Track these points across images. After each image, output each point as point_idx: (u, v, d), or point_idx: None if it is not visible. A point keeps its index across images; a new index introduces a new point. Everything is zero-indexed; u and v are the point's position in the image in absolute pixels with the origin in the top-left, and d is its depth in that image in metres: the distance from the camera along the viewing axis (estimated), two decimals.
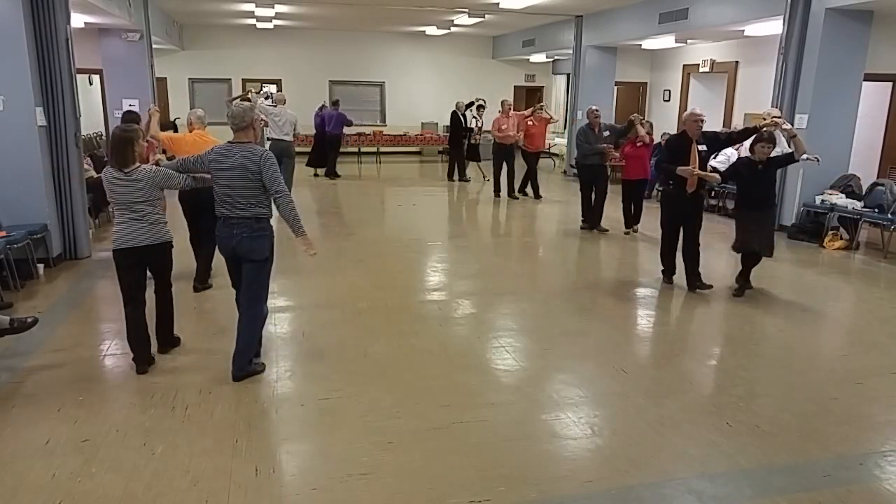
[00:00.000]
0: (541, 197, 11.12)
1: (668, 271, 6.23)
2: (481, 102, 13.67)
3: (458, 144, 13.34)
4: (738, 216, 6.00)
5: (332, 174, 13.45)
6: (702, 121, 5.80)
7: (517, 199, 11.09)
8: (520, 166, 11.25)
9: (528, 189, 11.29)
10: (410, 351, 4.62)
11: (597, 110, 8.75)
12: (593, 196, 8.67)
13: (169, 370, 4.18)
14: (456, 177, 13.28)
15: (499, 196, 11.17)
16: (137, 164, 4.05)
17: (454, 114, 13.22)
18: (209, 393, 3.86)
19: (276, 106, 10.61)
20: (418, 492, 2.95)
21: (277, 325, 5.01)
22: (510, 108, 11.16)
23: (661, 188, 6.37)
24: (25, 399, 3.76)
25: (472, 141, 13.30)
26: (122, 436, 3.37)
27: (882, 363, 4.56)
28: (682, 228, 5.99)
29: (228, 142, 3.99)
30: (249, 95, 11.93)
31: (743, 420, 3.67)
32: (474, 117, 13.31)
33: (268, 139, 10.53)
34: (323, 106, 14.15)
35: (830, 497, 2.96)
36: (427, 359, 4.50)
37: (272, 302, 5.54)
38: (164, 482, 2.97)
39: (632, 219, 8.56)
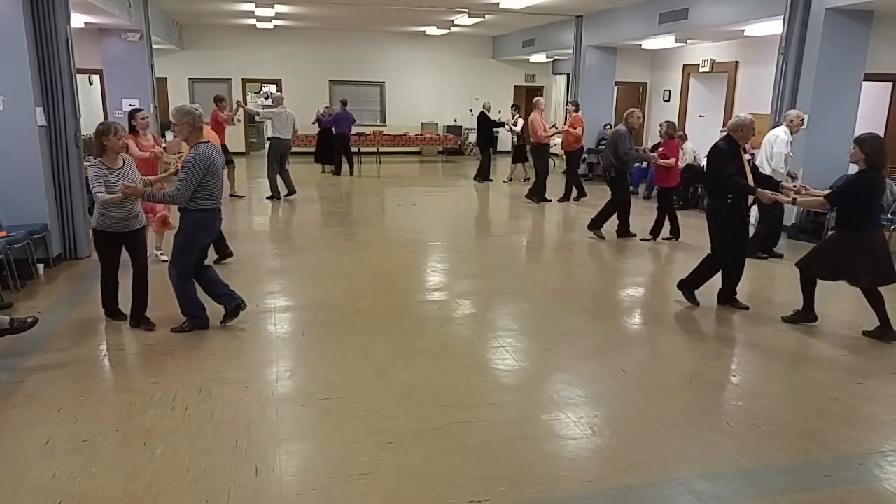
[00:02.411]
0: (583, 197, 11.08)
1: (696, 287, 5.68)
2: (516, 104, 13.73)
3: (487, 145, 13.38)
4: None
5: (339, 171, 13.94)
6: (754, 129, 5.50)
7: (550, 200, 10.96)
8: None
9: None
10: (410, 351, 4.62)
11: (640, 114, 8.29)
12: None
13: (169, 370, 4.18)
14: (490, 177, 13.32)
15: (547, 200, 10.89)
16: (101, 158, 4.59)
17: (482, 114, 13.24)
18: (209, 393, 3.86)
19: (278, 105, 10.75)
20: (418, 492, 2.95)
21: (277, 325, 5.01)
22: (545, 107, 11.09)
23: (710, 203, 5.65)
24: (25, 399, 3.76)
25: (515, 143, 13.35)
26: (122, 436, 3.37)
27: (882, 363, 4.56)
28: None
29: (206, 143, 4.55)
30: (249, 100, 12.14)
31: (743, 420, 3.67)
32: (517, 117, 13.24)
33: (268, 138, 10.73)
34: (327, 108, 14.42)
35: (830, 497, 2.96)
36: (427, 359, 4.50)
37: (273, 302, 5.56)
38: (164, 482, 2.97)
39: (658, 228, 8.23)
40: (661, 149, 8.34)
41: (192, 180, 4.38)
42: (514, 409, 3.76)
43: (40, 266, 6.22)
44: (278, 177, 10.68)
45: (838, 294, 6.45)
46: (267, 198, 10.72)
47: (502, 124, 13.53)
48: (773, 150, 7.12)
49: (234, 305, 4.86)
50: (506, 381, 4.18)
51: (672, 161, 8.07)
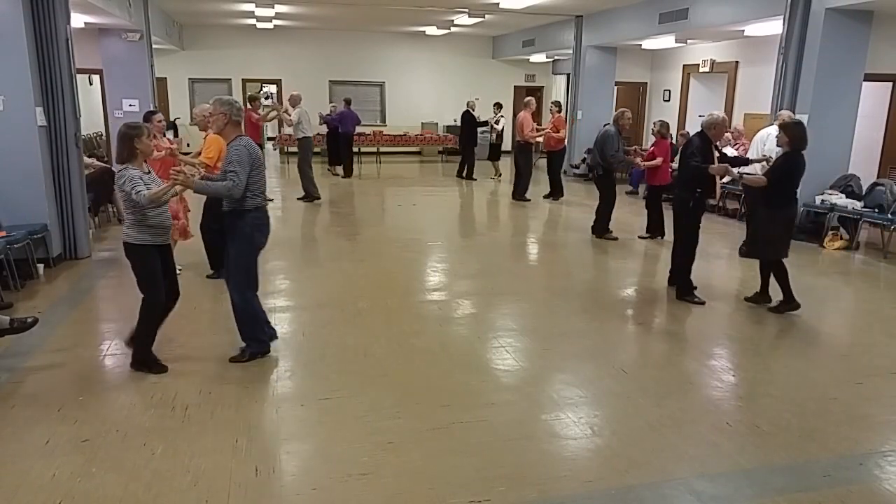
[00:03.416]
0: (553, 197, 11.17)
1: (692, 287, 5.82)
2: (498, 102, 13.77)
3: (471, 143, 13.42)
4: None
5: (348, 173, 13.74)
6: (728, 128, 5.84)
7: (529, 200, 11.03)
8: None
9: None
10: (410, 351, 4.62)
11: (630, 115, 8.33)
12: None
13: (169, 370, 4.17)
14: (465, 174, 13.40)
15: (528, 199, 10.96)
16: (129, 164, 3.97)
17: (467, 113, 13.26)
18: (209, 393, 3.86)
19: (295, 106, 10.73)
20: (418, 492, 2.95)
21: (278, 325, 4.98)
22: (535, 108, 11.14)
23: (678, 195, 5.89)
24: (25, 399, 3.76)
25: (494, 141, 13.36)
26: (122, 436, 3.36)
27: (882, 363, 4.56)
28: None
29: (246, 136, 4.19)
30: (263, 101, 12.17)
31: (743, 420, 3.67)
32: (498, 116, 13.29)
33: (297, 139, 10.70)
34: (334, 107, 14.36)
35: (830, 497, 2.96)
36: (427, 359, 4.50)
37: (273, 302, 5.55)
38: (164, 482, 2.97)
39: (654, 226, 8.31)
40: (651, 148, 8.39)
41: (243, 170, 3.97)
42: (514, 409, 3.76)
43: (40, 266, 6.22)
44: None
45: (837, 295, 6.46)
46: (299, 199, 10.59)
47: (485, 123, 13.54)
48: (765, 147, 7.13)
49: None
50: (506, 381, 4.18)
51: (658, 161, 8.09)
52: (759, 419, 3.67)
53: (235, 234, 4.17)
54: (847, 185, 8.18)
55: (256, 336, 4.33)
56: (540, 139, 11.45)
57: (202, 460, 3.15)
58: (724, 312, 5.58)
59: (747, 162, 6.46)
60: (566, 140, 11.25)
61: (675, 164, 10.47)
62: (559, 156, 11.14)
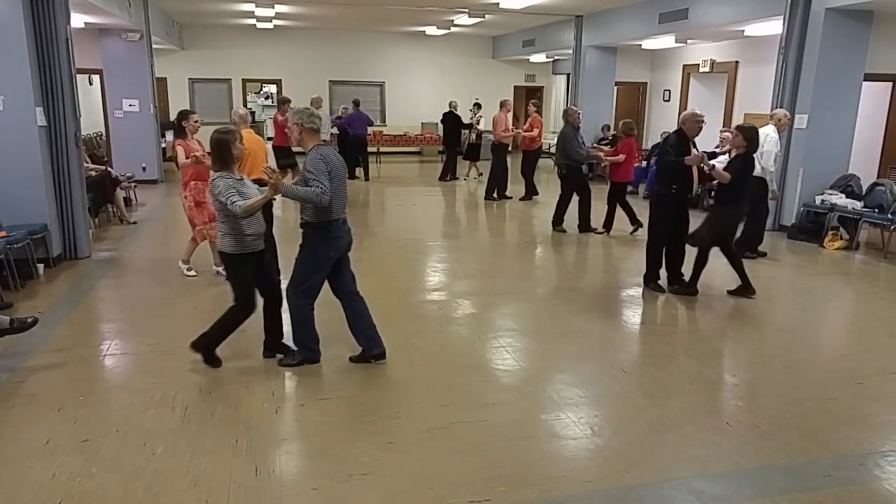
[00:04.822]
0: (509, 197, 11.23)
1: (655, 276, 6.07)
2: (477, 102, 13.78)
3: (454, 144, 13.41)
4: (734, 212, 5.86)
5: (365, 176, 13.41)
6: (702, 122, 5.85)
7: (510, 198, 11.13)
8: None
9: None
10: (410, 351, 4.62)
11: (577, 110, 8.68)
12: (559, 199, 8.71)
13: (169, 370, 4.18)
14: (449, 177, 13.39)
15: (508, 197, 11.10)
16: (224, 171, 4.02)
17: (451, 113, 13.25)
18: (209, 393, 3.86)
19: (318, 109, 10.68)
20: (418, 492, 2.95)
21: None
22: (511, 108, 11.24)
23: (655, 190, 6.13)
24: (25, 399, 3.76)
25: (473, 141, 13.34)
26: (122, 436, 3.36)
27: (882, 363, 4.56)
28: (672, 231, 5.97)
29: (321, 145, 4.10)
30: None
31: (743, 420, 3.67)
32: (478, 116, 13.31)
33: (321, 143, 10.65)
34: (345, 109, 14.21)
35: (830, 497, 2.96)
36: (427, 359, 4.50)
37: None
38: (164, 482, 2.97)
39: (612, 220, 8.60)
40: (617, 145, 8.60)
41: (324, 177, 3.89)
42: (514, 409, 3.76)
43: (40, 266, 6.22)
44: None
45: (837, 295, 6.46)
46: None
47: (470, 125, 13.52)
48: (763, 148, 7.11)
49: (374, 354, 4.30)
50: (506, 381, 4.18)
51: (621, 157, 8.33)
52: (759, 419, 3.67)
53: (305, 243, 4.19)
54: (847, 185, 8.18)
55: (306, 343, 4.30)
56: (513, 138, 11.50)
57: (202, 460, 3.15)
58: (723, 312, 5.58)
59: (714, 156, 6.63)
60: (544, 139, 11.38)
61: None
62: (533, 155, 11.22)
